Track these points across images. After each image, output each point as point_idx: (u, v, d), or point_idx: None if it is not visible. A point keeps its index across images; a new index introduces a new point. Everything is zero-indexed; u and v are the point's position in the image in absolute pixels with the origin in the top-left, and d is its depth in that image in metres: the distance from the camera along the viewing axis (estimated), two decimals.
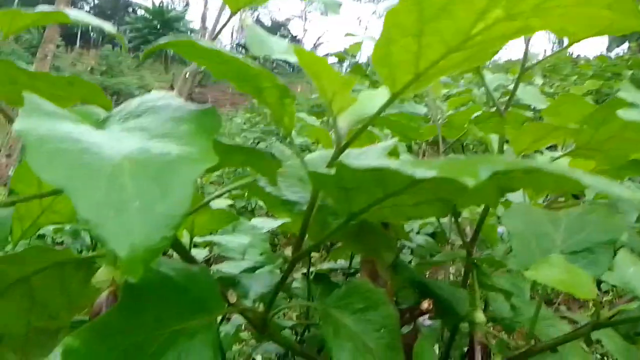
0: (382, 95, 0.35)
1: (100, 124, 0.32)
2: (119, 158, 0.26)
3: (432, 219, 1.09)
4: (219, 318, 0.56)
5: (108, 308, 0.36)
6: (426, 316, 0.95)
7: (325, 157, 0.39)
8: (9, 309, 0.42)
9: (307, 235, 0.39)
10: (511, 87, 0.61)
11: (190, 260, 0.39)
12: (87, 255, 0.43)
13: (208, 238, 0.97)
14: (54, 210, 0.57)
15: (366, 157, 0.41)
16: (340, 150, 0.35)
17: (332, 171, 0.27)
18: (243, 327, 0.94)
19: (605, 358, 1.45)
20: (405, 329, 0.60)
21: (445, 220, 1.06)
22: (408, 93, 0.32)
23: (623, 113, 0.37)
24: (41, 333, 0.45)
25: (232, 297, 0.43)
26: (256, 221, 0.88)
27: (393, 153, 0.52)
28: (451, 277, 1.30)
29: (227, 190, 0.46)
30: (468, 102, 0.89)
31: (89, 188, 0.23)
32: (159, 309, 0.33)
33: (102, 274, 0.38)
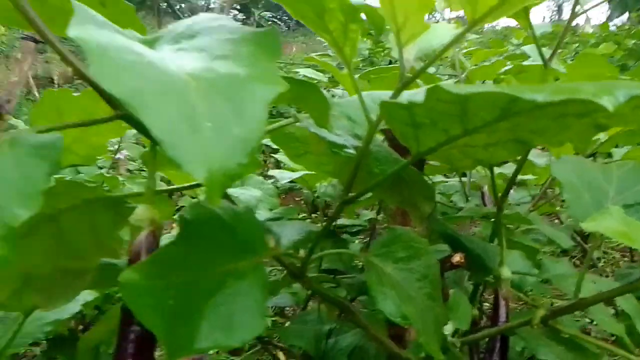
0: (447, 28, 0.32)
1: (149, 43, 0.29)
2: (184, 75, 0.23)
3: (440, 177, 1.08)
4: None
5: (148, 249, 0.35)
6: None
7: (378, 97, 0.37)
8: (36, 247, 0.40)
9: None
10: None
11: (231, 201, 0.37)
12: (119, 194, 0.41)
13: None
14: (71, 150, 0.54)
15: None
16: (404, 85, 0.32)
17: (411, 99, 0.25)
18: None
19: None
20: None
21: (454, 182, 1.05)
22: (489, 20, 0.29)
23: None
24: (67, 274, 0.43)
25: (271, 242, 0.42)
26: (275, 172, 0.85)
27: None
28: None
29: (268, 130, 0.43)
30: (490, 57, 0.86)
31: (160, 104, 0.21)
32: (210, 248, 0.31)
33: (141, 213, 0.36)
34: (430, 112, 0.27)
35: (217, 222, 0.32)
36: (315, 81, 1.28)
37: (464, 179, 0.93)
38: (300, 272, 0.41)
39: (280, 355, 0.91)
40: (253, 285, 0.32)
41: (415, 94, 0.36)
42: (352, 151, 0.38)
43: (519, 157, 0.49)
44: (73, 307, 0.60)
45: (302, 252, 0.42)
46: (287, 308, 1.29)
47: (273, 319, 1.74)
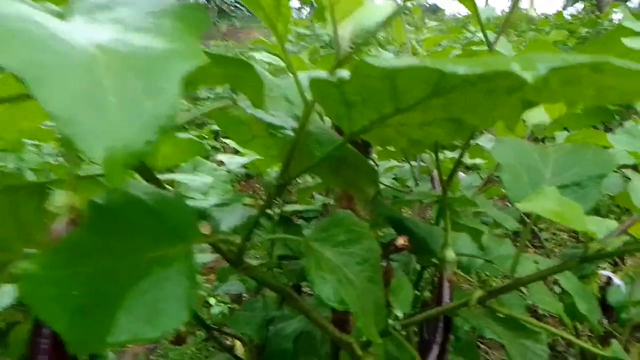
0: (383, 5, 0.31)
1: (60, 15, 0.27)
2: (91, 48, 0.21)
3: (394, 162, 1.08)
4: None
5: None
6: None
7: (316, 76, 0.35)
8: None
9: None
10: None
11: (161, 186, 0.35)
12: (42, 180, 0.38)
13: (169, 176, 0.92)
14: None
15: None
16: (340, 63, 0.31)
17: (341, 76, 0.24)
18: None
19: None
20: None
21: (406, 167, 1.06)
22: None
23: (629, 41, 0.35)
24: None
25: (206, 228, 0.40)
26: (224, 157, 0.83)
27: None
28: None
29: (200, 113, 0.42)
30: (441, 42, 0.86)
31: (59, 78, 0.19)
32: (131, 234, 0.29)
33: (59, 199, 0.33)
34: (361, 90, 0.26)
35: (141, 208, 0.30)
36: (271, 66, 1.25)
37: (414, 163, 0.94)
38: (237, 259, 0.40)
39: (237, 343, 0.90)
40: (181, 273, 0.30)
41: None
42: (290, 133, 0.37)
43: (461, 141, 0.49)
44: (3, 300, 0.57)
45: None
46: (245, 295, 1.28)
47: (230, 306, 1.72)
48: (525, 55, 0.18)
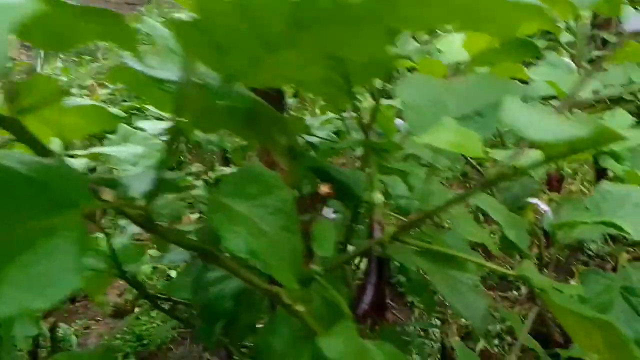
0: None
1: None
2: None
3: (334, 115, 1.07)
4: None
5: None
6: (331, 209, 0.96)
7: (177, 20, 0.33)
8: None
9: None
10: None
11: (45, 152, 0.33)
12: None
13: (96, 150, 0.88)
14: None
15: None
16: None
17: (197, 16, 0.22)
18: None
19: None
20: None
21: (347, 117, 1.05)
22: None
23: None
24: None
25: (107, 194, 0.39)
26: (145, 124, 0.80)
27: None
28: None
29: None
30: None
31: None
32: (6, 207, 0.28)
33: None
34: (221, 30, 0.24)
35: (15, 179, 0.29)
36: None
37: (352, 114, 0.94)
38: (146, 223, 0.39)
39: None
40: (70, 241, 0.29)
41: None
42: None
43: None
44: None
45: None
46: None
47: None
48: None
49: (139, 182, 0.43)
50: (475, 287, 0.54)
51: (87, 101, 0.55)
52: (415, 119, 0.39)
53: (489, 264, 0.43)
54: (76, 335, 1.52)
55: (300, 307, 0.46)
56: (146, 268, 1.73)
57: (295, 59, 0.27)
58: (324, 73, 0.28)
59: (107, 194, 0.39)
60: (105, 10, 0.31)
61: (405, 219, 0.68)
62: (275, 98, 0.50)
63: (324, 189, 0.51)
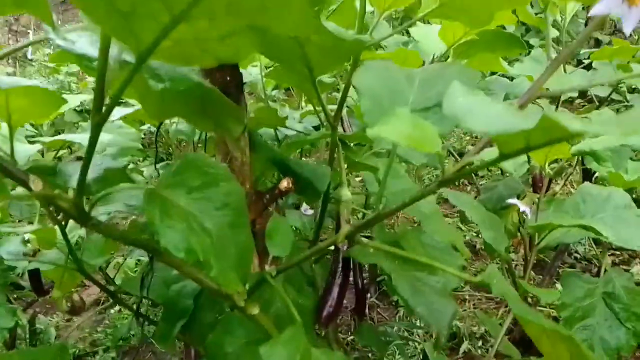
0: None
1: None
2: None
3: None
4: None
5: None
6: (307, 206, 0.93)
7: None
8: None
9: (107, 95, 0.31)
10: None
11: None
12: None
13: (62, 137, 0.85)
14: None
15: None
16: None
17: None
18: None
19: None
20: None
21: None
22: None
23: None
24: None
25: (37, 185, 0.35)
26: (116, 111, 0.77)
27: None
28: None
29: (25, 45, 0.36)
30: None
31: None
32: None
33: None
34: None
35: None
36: None
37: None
38: (80, 216, 0.36)
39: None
40: None
41: None
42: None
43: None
44: None
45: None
46: None
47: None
48: None
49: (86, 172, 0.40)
50: (444, 290, 0.52)
51: (34, 82, 0.52)
52: (371, 109, 0.36)
53: (451, 269, 0.40)
54: (57, 328, 1.49)
55: (254, 310, 0.43)
56: (131, 262, 1.70)
57: (211, 30, 0.24)
58: (247, 44, 0.25)
59: (36, 184, 0.36)
60: None
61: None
62: (234, 86, 0.47)
63: (285, 183, 0.48)
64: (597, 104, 1.17)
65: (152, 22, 0.23)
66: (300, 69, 0.43)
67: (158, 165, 0.98)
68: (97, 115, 0.30)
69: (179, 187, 0.36)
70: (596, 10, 0.29)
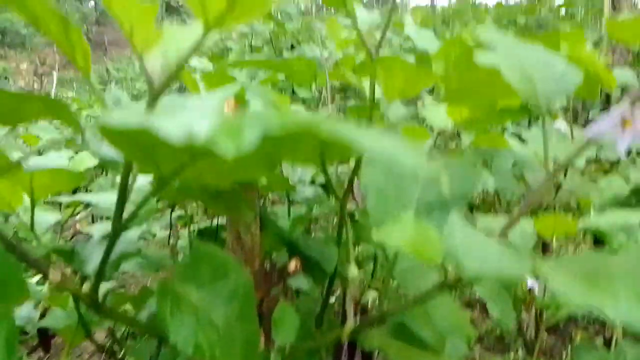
0: (193, 30, 0.29)
1: None
2: None
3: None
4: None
5: None
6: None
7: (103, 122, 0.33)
8: None
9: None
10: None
11: None
12: None
13: (77, 197, 0.87)
14: None
15: (189, 107, 0.35)
16: (154, 97, 0.29)
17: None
18: None
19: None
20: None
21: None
22: (225, 25, 0.26)
23: (480, 57, 0.34)
24: None
25: (56, 275, 0.37)
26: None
27: (241, 100, 0.46)
28: None
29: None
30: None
31: None
32: None
33: None
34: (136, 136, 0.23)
35: None
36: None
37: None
38: (94, 305, 0.37)
39: None
40: None
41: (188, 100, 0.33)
42: None
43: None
44: None
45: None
46: None
47: None
48: (234, 120, 0.15)
49: (97, 256, 0.42)
50: None
51: (58, 161, 0.54)
52: (377, 207, 0.37)
53: None
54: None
55: None
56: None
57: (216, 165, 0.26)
58: (261, 167, 0.27)
59: (55, 274, 0.37)
60: (46, 97, 0.30)
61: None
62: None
63: (292, 265, 0.49)
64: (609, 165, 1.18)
65: (173, 156, 0.25)
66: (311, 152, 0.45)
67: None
68: (117, 223, 0.32)
69: (190, 281, 0.38)
70: (592, 132, 0.30)
